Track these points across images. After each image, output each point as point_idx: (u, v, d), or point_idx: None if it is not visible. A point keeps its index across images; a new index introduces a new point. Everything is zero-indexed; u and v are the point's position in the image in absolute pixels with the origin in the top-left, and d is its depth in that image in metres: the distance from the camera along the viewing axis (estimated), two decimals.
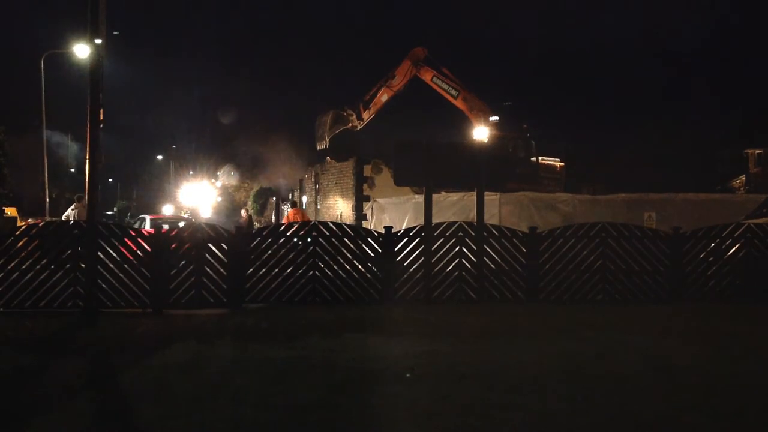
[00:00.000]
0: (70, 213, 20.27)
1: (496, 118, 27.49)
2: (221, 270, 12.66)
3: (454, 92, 26.97)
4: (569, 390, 7.40)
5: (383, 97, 28.36)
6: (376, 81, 28.94)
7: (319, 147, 31.05)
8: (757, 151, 42.67)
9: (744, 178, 42.21)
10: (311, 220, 23.52)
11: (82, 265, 12.29)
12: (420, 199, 20.68)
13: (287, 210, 26.36)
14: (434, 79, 27.27)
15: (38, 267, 12.28)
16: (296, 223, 14.39)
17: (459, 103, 27.03)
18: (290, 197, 41.13)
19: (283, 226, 13.98)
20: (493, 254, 13.40)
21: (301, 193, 39.11)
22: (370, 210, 28.28)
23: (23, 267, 12.27)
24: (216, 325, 11.25)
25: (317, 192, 35.70)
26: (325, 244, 13.07)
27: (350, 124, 29.66)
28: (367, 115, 29.04)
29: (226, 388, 7.46)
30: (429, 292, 13.18)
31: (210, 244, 12.69)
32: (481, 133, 25.85)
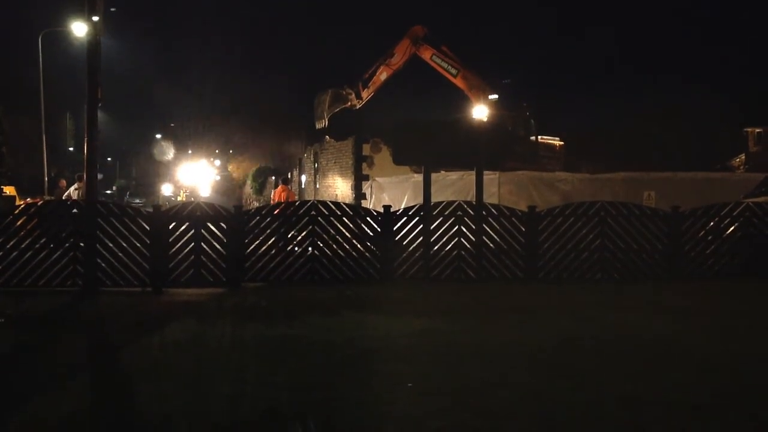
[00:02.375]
0: (72, 192, 20.20)
1: (495, 96, 27.39)
2: (220, 249, 12.67)
3: (453, 71, 26.85)
4: (567, 368, 7.43)
5: (382, 75, 28.24)
6: (375, 59, 28.79)
7: (318, 126, 31.00)
8: (757, 130, 42.60)
9: (743, 157, 42.19)
10: (296, 198, 23.39)
11: (81, 244, 12.31)
12: (419, 178, 20.64)
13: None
14: (434, 57, 27.13)
15: (37, 246, 12.31)
16: (294, 202, 14.39)
17: (458, 82, 26.92)
18: (289, 176, 41.10)
19: (282, 206, 13.97)
20: (492, 233, 13.41)
21: (300, 172, 39.05)
22: (369, 189, 28.25)
23: (22, 246, 12.29)
24: (215, 303, 11.28)
25: (316, 171, 35.64)
26: (324, 223, 13.07)
27: (349, 103, 29.56)
28: (366, 94, 28.93)
29: (225, 366, 7.49)
30: (428, 271, 13.20)
31: (209, 223, 12.68)
32: (480, 111, 25.75)
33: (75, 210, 12.67)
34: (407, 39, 27.47)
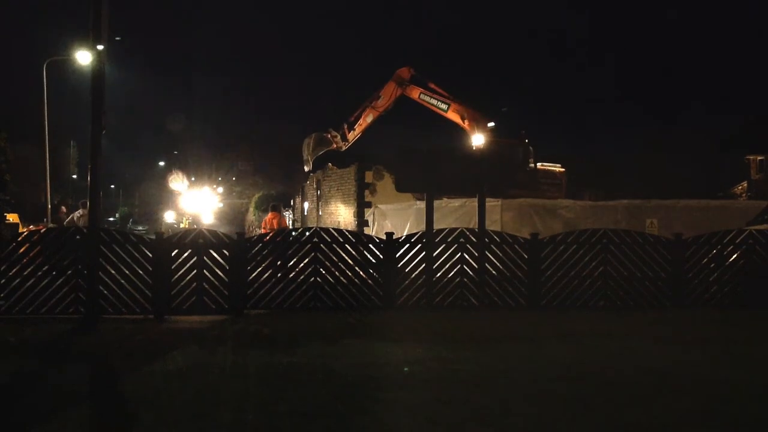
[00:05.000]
0: (76, 218, 20.09)
1: (492, 123, 27.34)
2: (223, 276, 12.66)
3: (443, 106, 26.74)
4: (570, 396, 7.39)
5: (368, 117, 28.27)
6: (363, 99, 28.73)
7: (306, 169, 31.52)
8: (759, 158, 42.67)
9: (746, 185, 42.22)
10: (288, 226, 23.28)
11: (84, 271, 12.31)
12: (421, 205, 20.66)
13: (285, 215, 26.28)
14: (422, 96, 27.09)
15: (40, 273, 12.29)
16: (295, 229, 14.41)
17: (450, 116, 26.79)
18: (291, 203, 41.15)
19: (285, 233, 13.98)
20: (494, 260, 13.40)
21: (303, 199, 39.12)
22: (372, 216, 28.26)
23: (25, 273, 12.27)
24: (217, 331, 11.24)
25: (319, 198, 35.71)
26: (327, 251, 13.07)
27: (334, 146, 29.77)
28: (352, 136, 29.05)
29: (227, 394, 7.46)
30: (430, 298, 13.18)
31: (211, 250, 12.69)
32: (478, 140, 25.78)
33: (78, 237, 12.68)
34: (392, 82, 27.44)
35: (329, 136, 29.69)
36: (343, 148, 29.67)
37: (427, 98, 26.93)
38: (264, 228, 18.73)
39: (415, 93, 27.15)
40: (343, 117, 29.91)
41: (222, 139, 65.66)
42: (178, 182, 54.17)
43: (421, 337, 10.63)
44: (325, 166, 34.19)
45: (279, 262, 13.02)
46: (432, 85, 27.03)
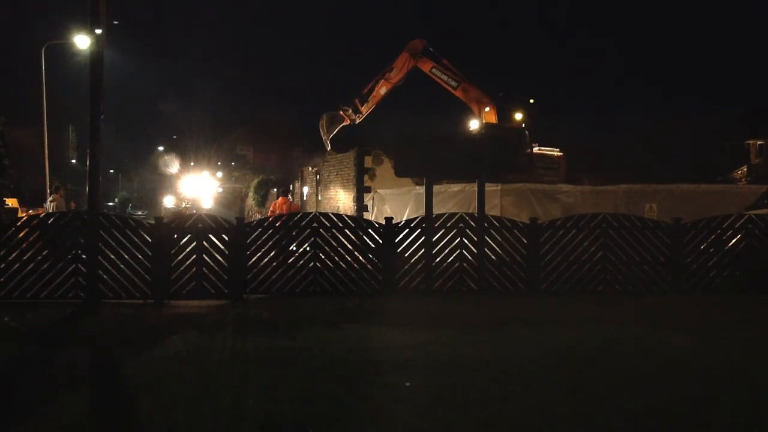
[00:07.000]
0: (48, 204, 19.68)
1: (488, 108, 27.33)
2: (222, 261, 12.67)
3: (453, 83, 26.82)
4: (569, 381, 7.41)
5: (381, 90, 28.22)
6: (374, 74, 28.75)
7: (327, 148, 31.42)
8: (759, 142, 42.64)
9: (745, 169, 42.20)
10: (300, 210, 23.26)
11: (83, 256, 12.32)
12: (421, 190, 20.64)
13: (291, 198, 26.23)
14: (433, 70, 27.12)
15: (39, 258, 12.31)
16: (295, 214, 14.40)
17: (459, 94, 26.90)
18: (290, 187, 41.13)
19: (284, 218, 13.96)
20: (493, 245, 13.39)
21: (302, 184, 39.08)
22: (371, 201, 28.24)
23: (24, 258, 12.29)
24: (217, 316, 11.27)
25: (318, 183, 35.66)
26: (326, 236, 13.08)
27: (347, 121, 29.66)
28: (365, 109, 28.95)
29: (227, 379, 7.48)
30: (429, 283, 13.19)
31: (211, 235, 12.69)
32: (475, 124, 25.80)
33: (77, 222, 12.66)
34: (406, 53, 27.46)
35: (341, 112, 29.64)
36: (357, 121, 29.59)
37: (438, 73, 26.93)
38: (272, 213, 18.59)
39: (428, 66, 27.13)
40: (346, 96, 29.84)
41: (221, 123, 65.51)
42: (167, 165, 54.39)
43: (420, 321, 10.65)
44: (324, 151, 34.11)
45: (278, 247, 13.03)
46: (445, 61, 27.05)
